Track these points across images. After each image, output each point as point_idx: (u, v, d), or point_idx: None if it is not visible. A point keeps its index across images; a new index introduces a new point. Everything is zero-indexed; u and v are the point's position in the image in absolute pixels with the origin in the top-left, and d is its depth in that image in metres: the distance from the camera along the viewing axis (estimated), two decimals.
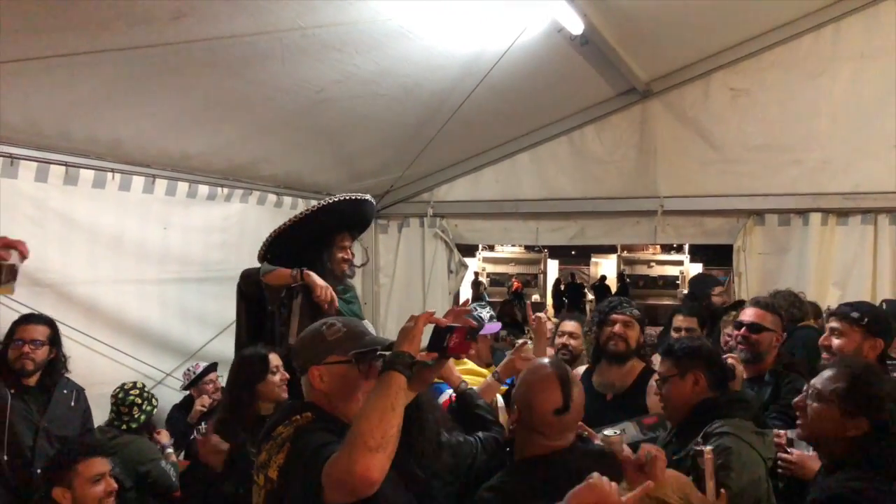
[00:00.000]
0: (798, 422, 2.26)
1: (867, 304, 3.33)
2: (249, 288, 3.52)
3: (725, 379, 2.65)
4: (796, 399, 2.26)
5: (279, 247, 3.57)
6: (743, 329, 3.24)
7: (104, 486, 2.71)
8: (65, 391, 3.46)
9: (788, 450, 2.61)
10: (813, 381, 2.20)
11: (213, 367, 4.29)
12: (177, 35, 2.93)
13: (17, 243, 2.65)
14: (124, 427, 3.63)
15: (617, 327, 3.22)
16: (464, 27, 3.69)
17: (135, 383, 3.80)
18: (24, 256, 2.68)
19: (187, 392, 4.33)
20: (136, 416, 3.66)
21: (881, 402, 2.04)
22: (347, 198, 3.57)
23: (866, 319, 2.94)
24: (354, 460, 1.56)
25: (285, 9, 3.03)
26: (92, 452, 2.75)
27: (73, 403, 3.46)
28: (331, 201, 3.54)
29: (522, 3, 3.63)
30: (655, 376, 2.84)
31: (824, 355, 3.03)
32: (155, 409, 3.84)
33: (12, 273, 2.66)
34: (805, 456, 2.54)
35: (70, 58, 2.67)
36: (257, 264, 3.58)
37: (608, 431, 2.35)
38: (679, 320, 4.24)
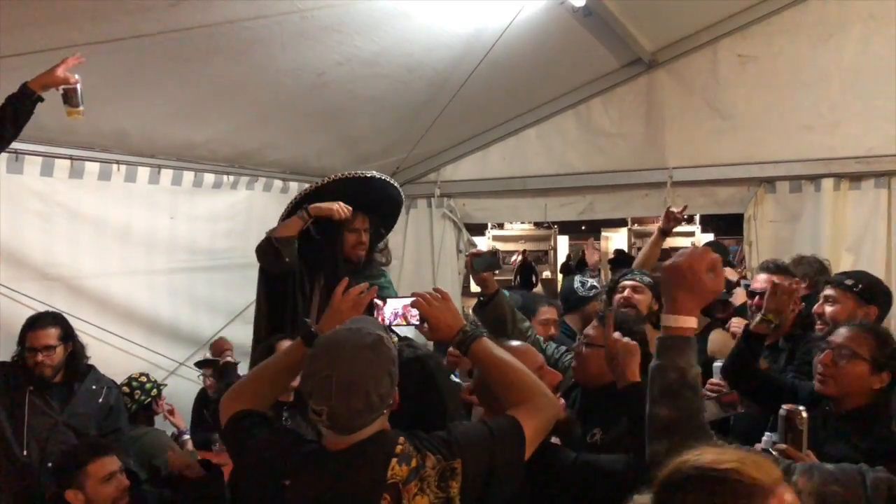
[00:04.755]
0: (819, 377, 2.35)
1: (863, 272, 3.30)
2: (264, 254, 3.31)
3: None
4: (820, 356, 2.34)
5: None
6: (756, 298, 3.20)
7: (116, 484, 2.71)
8: (94, 387, 3.40)
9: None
10: (835, 340, 2.33)
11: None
12: (175, 22, 2.90)
13: (69, 60, 2.58)
14: (134, 406, 3.67)
15: (626, 293, 3.13)
16: (464, 3, 3.64)
17: (140, 374, 3.86)
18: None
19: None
20: (147, 388, 3.76)
21: None
22: (338, 176, 3.41)
23: (860, 286, 2.92)
24: (548, 394, 1.83)
25: None
26: (100, 452, 2.74)
27: (100, 400, 3.40)
28: (323, 181, 3.41)
29: None
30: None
31: (818, 325, 3.01)
32: (161, 388, 3.88)
33: (80, 95, 2.62)
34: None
35: (68, 50, 2.65)
36: None
37: None
38: None
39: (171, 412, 3.84)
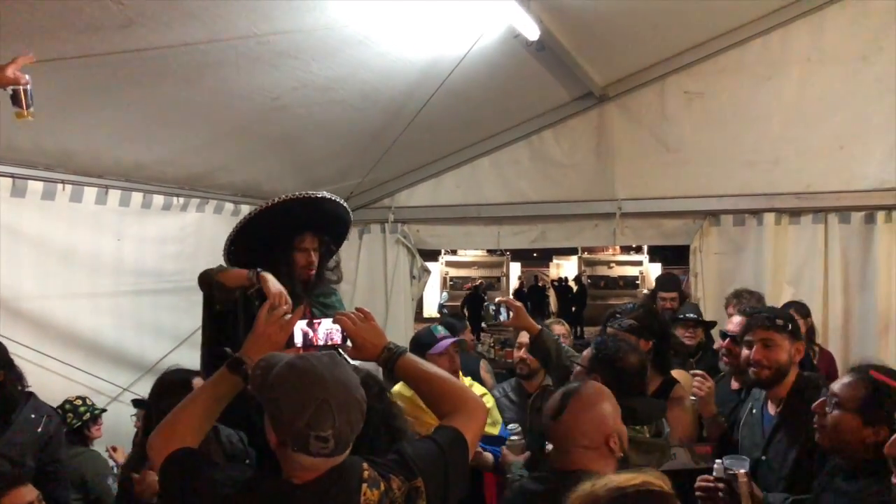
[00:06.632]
0: (815, 426, 2.27)
1: (772, 307, 3.22)
2: (203, 287, 3.22)
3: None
4: (815, 403, 2.26)
5: (241, 255, 3.36)
6: (727, 340, 3.14)
7: None
8: (32, 416, 3.28)
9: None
10: (832, 388, 2.22)
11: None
12: (127, 43, 2.86)
13: (19, 59, 2.40)
14: (64, 430, 3.57)
15: None
16: (421, 33, 3.68)
17: (77, 397, 3.81)
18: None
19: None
20: (80, 411, 3.72)
21: None
22: (288, 197, 3.33)
23: (790, 325, 2.79)
24: (476, 398, 1.92)
25: (239, 16, 2.98)
26: (15, 483, 2.68)
27: (38, 429, 3.27)
28: (273, 202, 3.36)
29: (478, 10, 3.63)
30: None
31: (752, 370, 2.77)
32: (96, 412, 3.80)
33: (31, 96, 2.44)
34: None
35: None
36: None
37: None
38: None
39: (115, 449, 3.75)
